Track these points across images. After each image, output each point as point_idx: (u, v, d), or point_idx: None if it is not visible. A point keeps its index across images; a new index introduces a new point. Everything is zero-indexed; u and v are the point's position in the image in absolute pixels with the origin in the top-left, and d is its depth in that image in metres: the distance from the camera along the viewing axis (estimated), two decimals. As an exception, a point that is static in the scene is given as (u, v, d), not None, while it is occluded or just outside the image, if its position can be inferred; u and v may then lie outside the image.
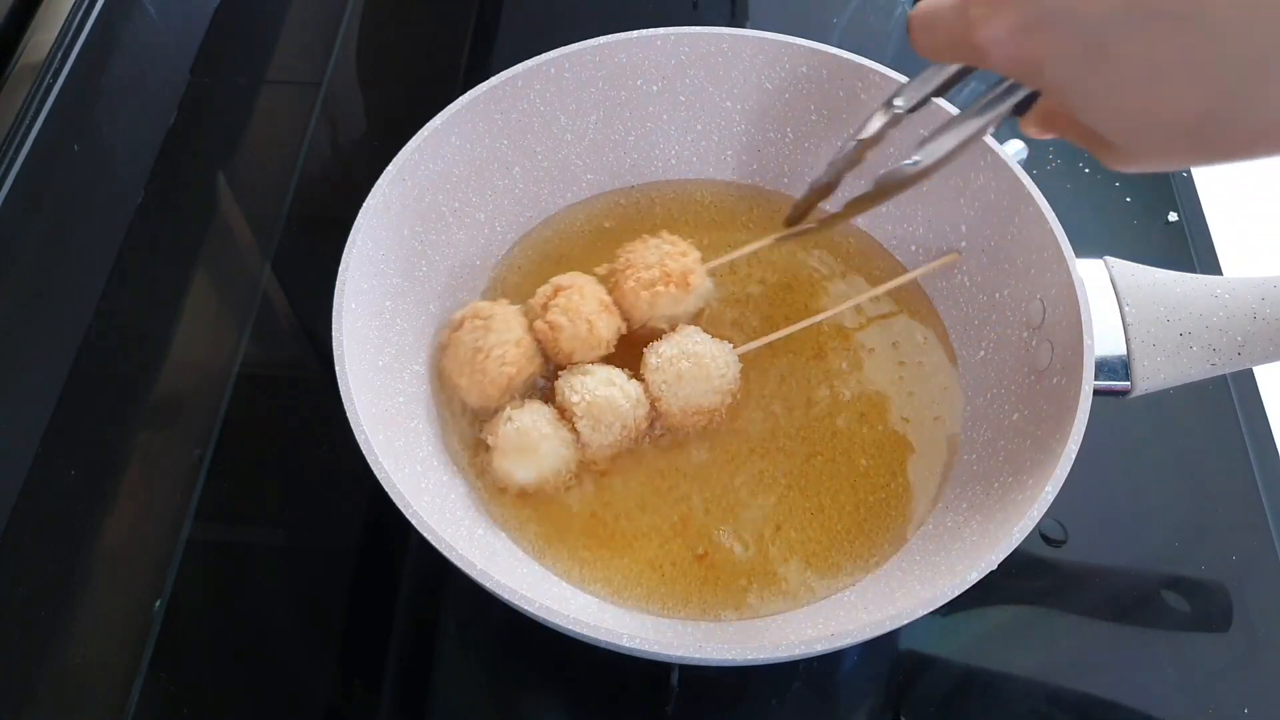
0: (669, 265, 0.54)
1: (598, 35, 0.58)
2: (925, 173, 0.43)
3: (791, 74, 0.59)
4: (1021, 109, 0.38)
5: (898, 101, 0.45)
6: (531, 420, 0.50)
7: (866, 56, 0.57)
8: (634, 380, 0.52)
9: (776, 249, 0.61)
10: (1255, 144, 0.27)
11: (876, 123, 0.46)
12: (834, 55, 0.57)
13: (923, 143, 0.42)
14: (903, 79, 0.56)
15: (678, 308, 0.55)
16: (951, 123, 0.41)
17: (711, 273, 0.57)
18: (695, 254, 0.56)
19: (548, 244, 0.62)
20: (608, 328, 0.53)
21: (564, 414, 0.52)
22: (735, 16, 0.82)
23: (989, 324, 0.55)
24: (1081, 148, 0.35)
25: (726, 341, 0.54)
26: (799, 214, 0.54)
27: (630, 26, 0.58)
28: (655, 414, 0.53)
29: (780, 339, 0.56)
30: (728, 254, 0.58)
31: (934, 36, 0.33)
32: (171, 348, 0.65)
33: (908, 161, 0.43)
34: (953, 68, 0.42)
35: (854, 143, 0.47)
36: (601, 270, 0.57)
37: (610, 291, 0.55)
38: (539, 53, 0.57)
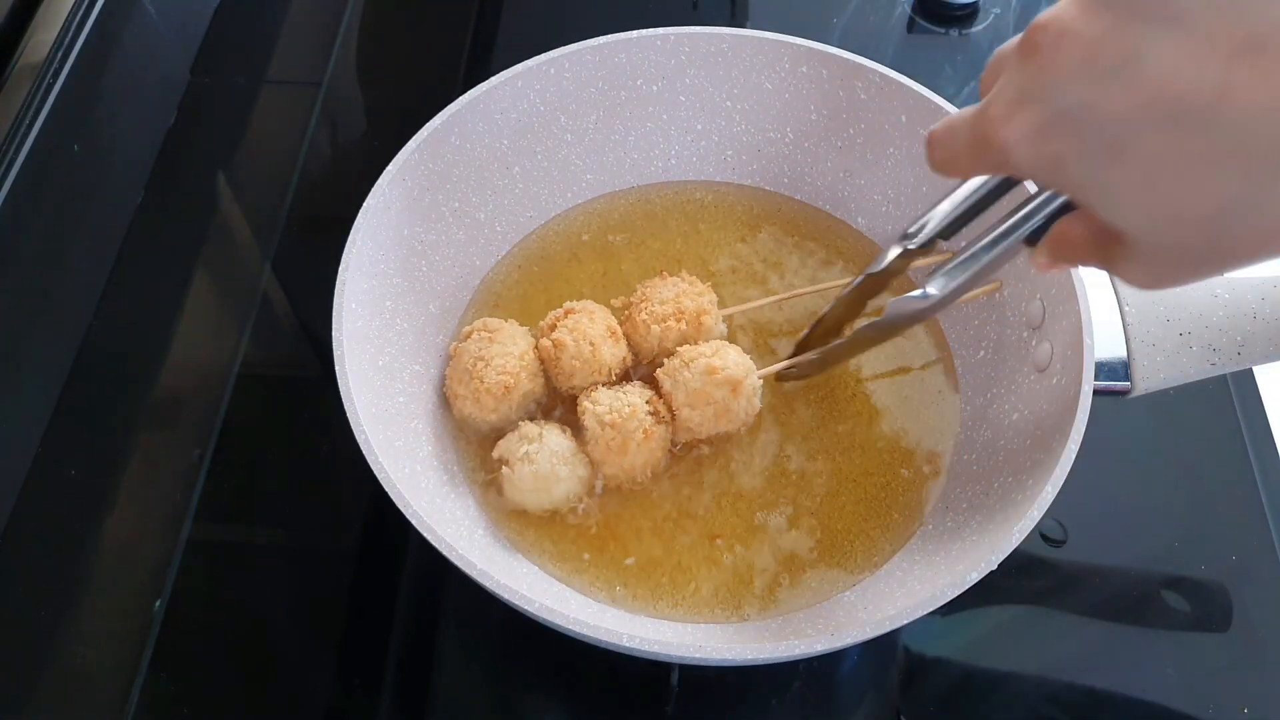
0: (683, 303, 0.54)
1: (598, 35, 0.58)
2: (935, 307, 0.43)
3: (791, 74, 0.59)
4: (1032, 240, 0.37)
5: (909, 243, 0.45)
6: (549, 464, 0.50)
7: (866, 56, 0.57)
8: (649, 402, 0.51)
9: (789, 283, 0.61)
10: (1269, 242, 0.27)
11: (889, 256, 0.46)
12: (834, 55, 0.57)
13: (931, 275, 0.42)
14: (902, 79, 0.56)
15: (688, 344, 0.54)
16: (961, 255, 0.41)
17: (727, 319, 0.57)
18: (711, 295, 0.55)
19: (548, 244, 0.62)
20: (611, 354, 0.53)
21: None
22: (735, 16, 0.82)
23: (989, 324, 0.55)
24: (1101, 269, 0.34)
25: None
26: (802, 348, 0.55)
27: (630, 26, 0.59)
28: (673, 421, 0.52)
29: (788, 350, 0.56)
30: (746, 303, 0.58)
31: (953, 146, 0.32)
32: (171, 348, 0.65)
33: (916, 294, 0.43)
34: (963, 200, 0.42)
35: (863, 278, 0.48)
36: (617, 303, 0.57)
37: (622, 324, 0.55)
38: (539, 53, 0.57)
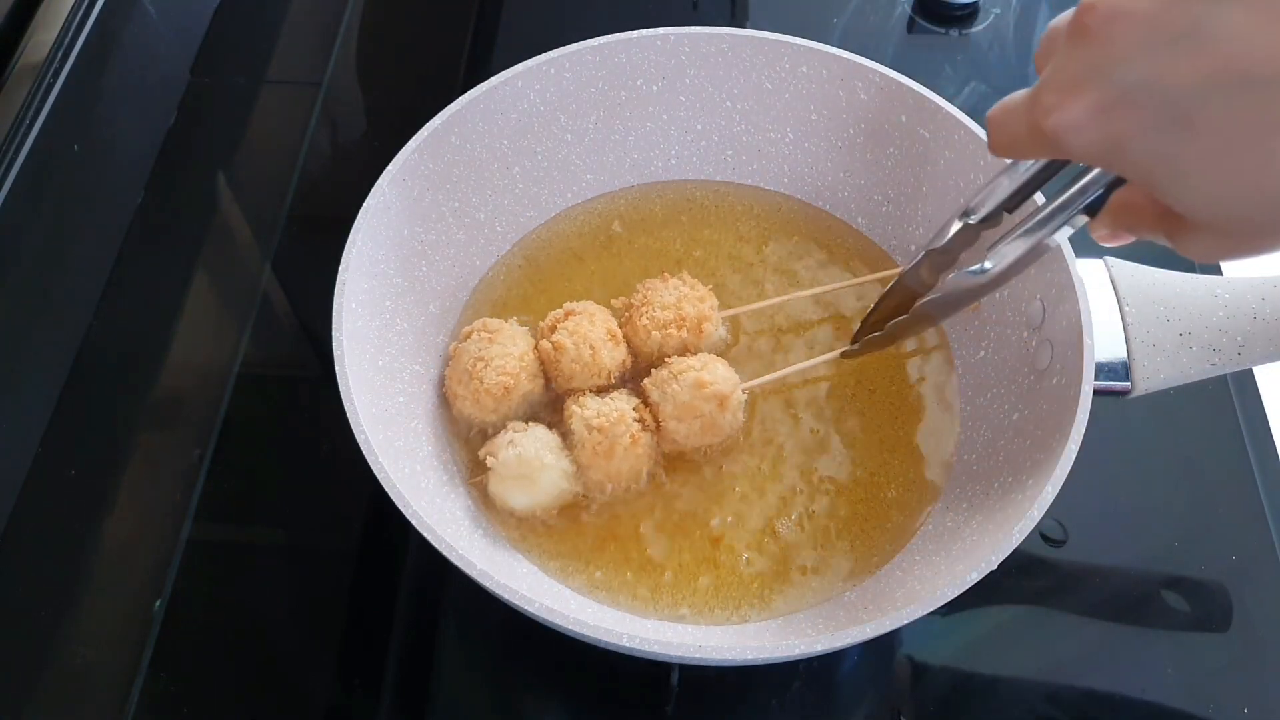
0: (685, 309, 0.54)
1: (598, 35, 0.58)
2: (995, 282, 0.41)
3: (791, 74, 0.59)
4: (1092, 210, 0.36)
5: (971, 216, 0.43)
6: (533, 448, 0.49)
7: (866, 56, 0.57)
8: (636, 409, 0.51)
9: (790, 283, 0.61)
10: None
11: (951, 231, 0.44)
12: (834, 55, 0.57)
13: (992, 247, 0.41)
14: (902, 79, 0.56)
15: (686, 352, 0.54)
16: (1020, 228, 0.40)
17: (725, 321, 0.57)
18: (713, 300, 0.55)
19: (548, 244, 0.62)
20: (611, 357, 0.53)
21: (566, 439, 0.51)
22: (735, 16, 0.82)
23: (989, 324, 0.55)
24: (1160, 243, 0.33)
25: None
26: (866, 331, 0.53)
27: (630, 26, 0.58)
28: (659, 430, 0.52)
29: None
30: (747, 305, 0.58)
31: (1010, 131, 0.32)
32: (171, 348, 0.65)
33: (973, 269, 0.41)
34: (1024, 175, 0.40)
35: (923, 254, 0.46)
36: (617, 303, 0.57)
37: (622, 325, 0.55)
38: (539, 53, 0.57)
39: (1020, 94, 0.31)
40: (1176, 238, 0.31)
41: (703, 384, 0.50)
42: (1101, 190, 0.36)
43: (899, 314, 0.50)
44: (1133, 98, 0.27)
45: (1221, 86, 0.25)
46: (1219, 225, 0.29)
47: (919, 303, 0.47)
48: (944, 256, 0.46)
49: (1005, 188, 0.41)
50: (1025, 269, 0.40)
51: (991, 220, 0.42)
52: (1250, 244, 0.29)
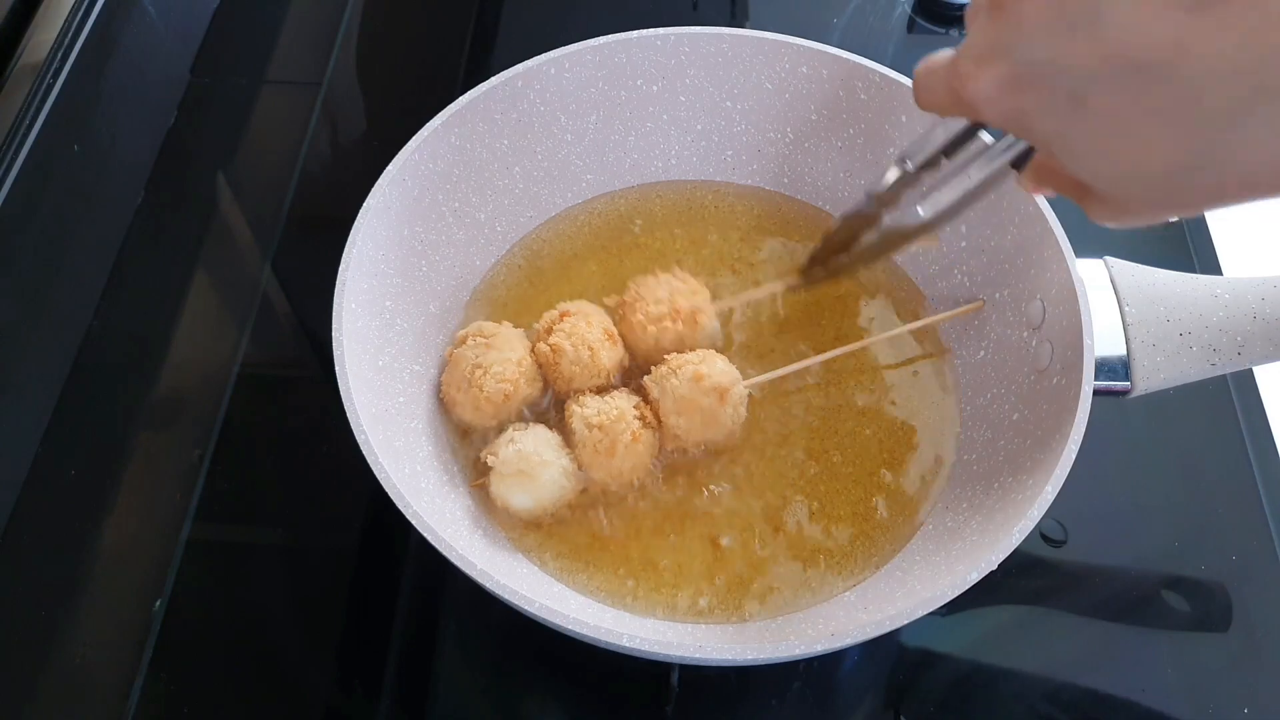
0: (678, 303, 0.54)
1: (598, 35, 0.58)
2: (929, 226, 0.43)
3: (791, 74, 0.59)
4: (1019, 164, 0.38)
5: (908, 163, 0.44)
6: (534, 445, 0.49)
7: (866, 56, 0.57)
8: (637, 407, 0.51)
9: (789, 278, 0.60)
10: (1224, 194, 0.28)
11: (890, 178, 0.45)
12: (834, 55, 0.57)
13: (927, 194, 0.42)
14: (902, 79, 0.56)
15: (682, 346, 0.54)
16: (953, 176, 0.41)
17: (720, 314, 0.56)
18: (705, 294, 0.55)
19: (548, 244, 0.62)
20: (609, 357, 0.53)
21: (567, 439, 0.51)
22: (735, 16, 0.82)
23: (989, 324, 0.55)
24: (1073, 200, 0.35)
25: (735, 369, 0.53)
26: (813, 267, 0.52)
27: (630, 26, 0.59)
28: (661, 428, 0.52)
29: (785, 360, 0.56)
30: (738, 295, 0.58)
31: (932, 93, 0.34)
32: (171, 348, 0.65)
33: (909, 213, 0.42)
34: (959, 124, 0.42)
35: (865, 197, 0.46)
36: (610, 301, 0.56)
37: (617, 323, 0.55)
38: (539, 53, 0.57)
39: (942, 55, 0.33)
40: (1083, 202, 0.33)
41: (701, 377, 0.50)
42: (1027, 146, 0.37)
43: (842, 252, 0.50)
44: (1035, 75, 0.28)
45: (1111, 71, 0.26)
46: (1115, 197, 0.30)
47: (859, 243, 0.47)
48: (886, 197, 0.46)
49: (940, 137, 0.42)
50: (963, 212, 0.42)
51: (930, 166, 0.43)
52: (1140, 216, 0.31)
